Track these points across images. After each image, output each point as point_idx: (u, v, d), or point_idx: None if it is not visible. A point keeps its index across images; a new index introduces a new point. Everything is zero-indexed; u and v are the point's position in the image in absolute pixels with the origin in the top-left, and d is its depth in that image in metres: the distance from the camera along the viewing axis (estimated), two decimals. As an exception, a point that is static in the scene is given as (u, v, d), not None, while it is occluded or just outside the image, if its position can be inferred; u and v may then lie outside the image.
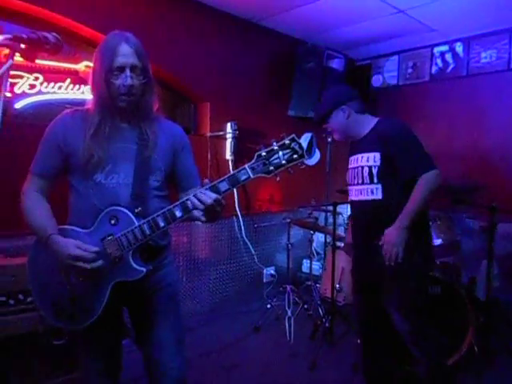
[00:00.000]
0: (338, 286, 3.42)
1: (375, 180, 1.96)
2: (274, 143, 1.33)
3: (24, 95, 2.62)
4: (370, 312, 2.15)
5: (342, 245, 3.64)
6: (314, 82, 4.03)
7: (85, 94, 2.84)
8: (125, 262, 1.40)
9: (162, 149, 1.52)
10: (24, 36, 0.99)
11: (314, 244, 4.10)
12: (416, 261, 1.97)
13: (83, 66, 2.85)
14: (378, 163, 1.94)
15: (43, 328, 2.16)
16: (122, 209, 1.40)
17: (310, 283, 3.70)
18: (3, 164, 2.36)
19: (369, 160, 1.97)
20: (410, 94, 4.46)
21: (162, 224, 1.37)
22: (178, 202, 1.38)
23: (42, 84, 2.68)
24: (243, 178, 1.34)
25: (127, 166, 1.46)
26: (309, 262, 3.95)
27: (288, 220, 3.59)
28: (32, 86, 2.65)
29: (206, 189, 1.34)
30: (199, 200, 1.32)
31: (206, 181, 1.36)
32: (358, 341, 2.98)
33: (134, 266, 1.40)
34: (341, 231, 4.10)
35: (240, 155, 3.73)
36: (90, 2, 2.82)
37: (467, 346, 2.53)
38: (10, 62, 0.92)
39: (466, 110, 4.06)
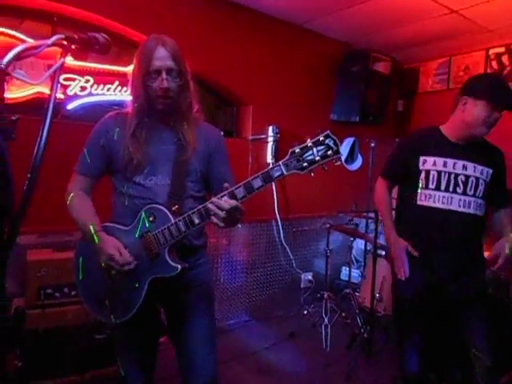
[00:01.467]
0: (378, 295, 3.31)
1: (481, 195, 1.93)
2: (308, 140, 1.32)
3: (76, 97, 2.74)
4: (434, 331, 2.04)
5: (384, 253, 3.52)
6: (359, 85, 3.95)
7: (132, 95, 2.93)
8: (161, 259, 1.43)
9: (199, 150, 1.54)
10: (75, 36, 1.02)
11: (354, 251, 4.01)
12: None
13: (131, 68, 2.94)
14: (488, 180, 1.92)
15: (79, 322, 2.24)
16: (160, 206, 1.44)
17: (348, 291, 3.60)
18: (54, 162, 2.46)
19: (483, 173, 1.92)
20: (461, 98, 4.24)
21: (197, 221, 1.39)
22: (212, 199, 1.37)
23: (92, 86, 2.79)
24: (277, 174, 1.34)
25: (165, 167, 1.50)
26: (348, 269, 3.86)
27: (327, 225, 3.52)
28: (83, 88, 2.76)
29: (239, 186, 1.34)
30: (218, 206, 1.31)
31: (226, 185, 1.34)
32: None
33: (170, 262, 1.42)
34: (381, 239, 3.97)
35: (281, 159, 3.70)
36: (135, 6, 2.91)
37: (519, 368, 2.36)
38: (62, 60, 0.95)
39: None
